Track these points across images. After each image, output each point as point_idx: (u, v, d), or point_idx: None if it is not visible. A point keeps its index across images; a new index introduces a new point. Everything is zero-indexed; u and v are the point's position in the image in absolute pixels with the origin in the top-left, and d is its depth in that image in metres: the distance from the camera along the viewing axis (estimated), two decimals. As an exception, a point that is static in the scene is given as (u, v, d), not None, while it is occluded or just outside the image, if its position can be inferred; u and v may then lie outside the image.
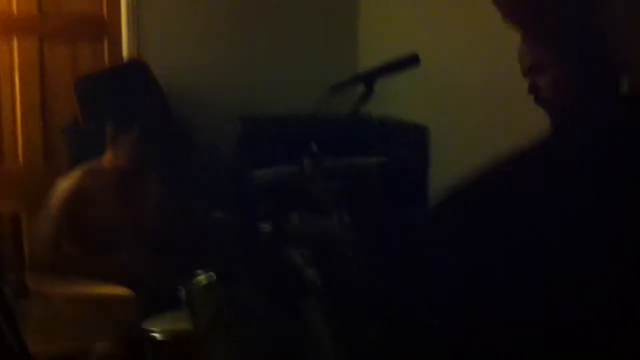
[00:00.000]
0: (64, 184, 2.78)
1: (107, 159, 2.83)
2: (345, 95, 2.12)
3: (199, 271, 2.29)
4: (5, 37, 3.71)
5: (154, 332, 2.47)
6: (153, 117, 3.10)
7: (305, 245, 2.55)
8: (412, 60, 1.92)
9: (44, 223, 2.72)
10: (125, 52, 3.89)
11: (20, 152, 3.80)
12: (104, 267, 2.66)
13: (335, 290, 2.55)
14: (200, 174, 3.52)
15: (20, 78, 3.75)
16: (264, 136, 3.72)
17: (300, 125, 3.57)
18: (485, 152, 1.11)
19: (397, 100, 3.62)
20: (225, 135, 3.76)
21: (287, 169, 2.73)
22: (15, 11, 3.71)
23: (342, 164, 2.71)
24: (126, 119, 2.85)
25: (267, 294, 2.33)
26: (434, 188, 3.54)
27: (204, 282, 2.38)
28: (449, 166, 3.35)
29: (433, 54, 3.07)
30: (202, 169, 3.56)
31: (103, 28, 3.90)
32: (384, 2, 4.11)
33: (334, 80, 2.10)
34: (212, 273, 2.31)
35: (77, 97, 3.41)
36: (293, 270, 2.47)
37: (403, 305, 1.88)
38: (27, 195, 3.68)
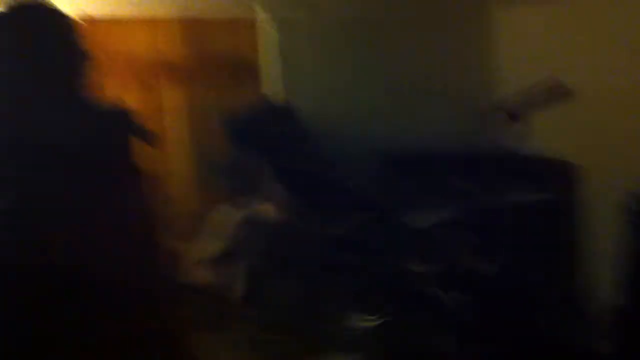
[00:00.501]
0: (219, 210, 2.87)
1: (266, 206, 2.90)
2: (489, 129, 2.08)
3: (359, 311, 2.28)
4: (158, 82, 3.94)
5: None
6: (302, 159, 3.17)
7: (459, 287, 2.50)
8: (563, 93, 1.85)
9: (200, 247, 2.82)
10: (272, 94, 4.05)
11: (173, 190, 3.99)
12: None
13: (491, 335, 2.47)
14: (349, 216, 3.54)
15: (171, 120, 3.96)
16: (411, 175, 3.70)
17: (442, 160, 3.52)
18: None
19: (544, 134, 3.51)
20: (371, 175, 3.78)
21: (440, 213, 2.70)
22: (166, 57, 3.94)
23: (493, 198, 2.64)
24: (272, 156, 2.93)
25: (426, 332, 2.29)
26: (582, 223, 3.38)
27: (364, 321, 2.37)
28: (597, 204, 3.20)
29: (583, 85, 2.96)
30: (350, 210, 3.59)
31: (248, 70, 4.07)
32: (525, 33, 4.02)
33: (474, 117, 2.06)
34: (373, 313, 2.29)
35: (226, 135, 3.55)
36: (444, 312, 2.42)
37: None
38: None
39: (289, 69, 4.06)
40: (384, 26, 4.13)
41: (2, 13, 1.46)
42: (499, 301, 2.51)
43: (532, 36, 3.89)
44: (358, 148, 3.96)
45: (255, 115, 3.64)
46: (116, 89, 3.88)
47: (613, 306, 2.20)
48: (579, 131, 3.41)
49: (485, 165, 2.64)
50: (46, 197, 1.29)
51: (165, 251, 2.26)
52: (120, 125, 3.22)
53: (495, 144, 1.94)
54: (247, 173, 2.95)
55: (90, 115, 1.46)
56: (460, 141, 2.00)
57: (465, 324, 2.45)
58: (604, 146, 3.28)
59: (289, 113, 3.68)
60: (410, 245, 2.67)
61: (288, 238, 2.86)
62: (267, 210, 2.88)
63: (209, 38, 4.03)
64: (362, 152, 3.93)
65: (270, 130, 3.54)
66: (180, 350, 1.37)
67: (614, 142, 3.25)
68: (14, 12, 1.45)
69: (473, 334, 2.48)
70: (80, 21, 1.47)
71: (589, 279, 3.16)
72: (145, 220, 1.40)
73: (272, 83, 4.04)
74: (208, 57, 4.04)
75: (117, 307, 1.31)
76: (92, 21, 3.79)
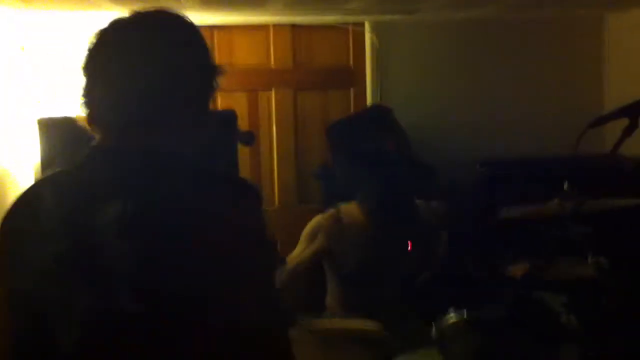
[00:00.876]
0: (317, 218, 2.95)
1: (356, 203, 2.93)
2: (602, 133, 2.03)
3: (451, 310, 2.30)
4: (265, 89, 4.07)
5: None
6: (396, 159, 3.19)
7: (561, 290, 2.46)
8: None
9: (298, 248, 2.89)
10: (369, 99, 4.10)
11: (276, 194, 4.10)
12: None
13: (593, 336, 2.41)
14: (441, 217, 3.53)
15: (277, 126, 4.08)
16: (506, 179, 3.66)
17: (548, 167, 3.46)
18: None
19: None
20: (467, 178, 3.76)
21: (537, 209, 2.67)
22: (273, 65, 4.06)
23: (597, 205, 2.58)
24: (371, 161, 2.96)
25: (523, 339, 2.27)
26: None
27: (454, 319, 2.38)
28: None
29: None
30: (443, 212, 3.58)
31: (350, 77, 4.14)
32: (631, 37, 3.90)
33: (578, 120, 2.01)
34: (463, 312, 2.30)
35: (329, 141, 3.61)
36: (549, 315, 2.39)
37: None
38: (284, 235, 3.96)
39: (392, 76, 4.09)
40: (488, 28, 4.09)
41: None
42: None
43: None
44: (456, 149, 3.94)
45: (356, 123, 3.68)
46: (224, 94, 4.03)
47: None
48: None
49: (592, 169, 2.58)
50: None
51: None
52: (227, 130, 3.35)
53: (614, 147, 1.89)
54: (346, 181, 2.99)
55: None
56: (575, 146, 1.96)
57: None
58: None
59: (384, 113, 3.70)
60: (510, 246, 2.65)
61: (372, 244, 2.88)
62: (354, 211, 2.93)
63: (315, 45, 4.12)
64: (459, 153, 3.91)
65: (370, 139, 3.57)
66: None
67: None
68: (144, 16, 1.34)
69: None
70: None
71: None
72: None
73: (376, 90, 4.08)
74: (313, 64, 4.12)
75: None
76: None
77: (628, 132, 1.90)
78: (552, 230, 2.44)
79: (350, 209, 2.97)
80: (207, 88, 1.39)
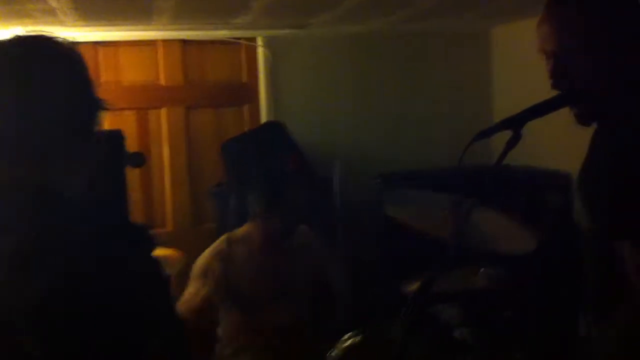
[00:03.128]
0: (208, 251, 2.80)
1: (252, 224, 2.84)
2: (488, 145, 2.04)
3: (347, 334, 2.25)
4: (155, 107, 3.93)
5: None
6: (295, 177, 3.13)
7: (455, 302, 2.46)
8: (563, 100, 1.81)
9: (191, 288, 2.75)
10: (263, 115, 4.03)
11: (169, 217, 3.96)
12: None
13: (488, 347, 2.43)
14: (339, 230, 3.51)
15: (169, 145, 3.94)
16: (402, 191, 3.67)
17: (440, 180, 3.49)
18: None
19: (541, 147, 3.48)
20: (361, 193, 3.75)
21: (431, 222, 2.66)
22: (163, 82, 3.93)
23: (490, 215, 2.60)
24: (270, 180, 2.88)
25: (419, 355, 2.25)
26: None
27: (351, 341, 2.34)
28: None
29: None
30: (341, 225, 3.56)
31: (244, 93, 4.07)
32: (517, 49, 4.02)
33: (470, 135, 2.02)
34: (360, 332, 2.26)
35: (224, 159, 3.52)
36: (443, 329, 2.38)
37: None
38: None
39: (287, 92, 4.05)
40: (380, 42, 4.12)
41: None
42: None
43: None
44: (351, 164, 3.94)
45: (251, 140, 3.61)
46: (111, 113, 3.87)
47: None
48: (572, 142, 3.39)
49: (483, 179, 2.57)
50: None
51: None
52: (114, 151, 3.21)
53: (499, 158, 1.88)
54: (242, 198, 2.90)
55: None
56: (462, 158, 1.95)
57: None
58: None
59: (278, 130, 3.65)
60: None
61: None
62: (251, 233, 2.82)
63: (206, 61, 4.02)
64: (354, 168, 3.92)
65: (259, 146, 3.51)
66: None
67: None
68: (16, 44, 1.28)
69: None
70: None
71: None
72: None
73: (270, 106, 4.02)
74: (205, 81, 4.02)
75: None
76: (83, 47, 3.79)
77: (511, 143, 1.91)
78: (445, 242, 2.44)
79: (245, 232, 2.85)
80: (90, 115, 1.35)
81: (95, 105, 1.35)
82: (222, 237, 2.81)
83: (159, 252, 1.40)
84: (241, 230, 2.83)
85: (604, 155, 1.69)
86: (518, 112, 1.85)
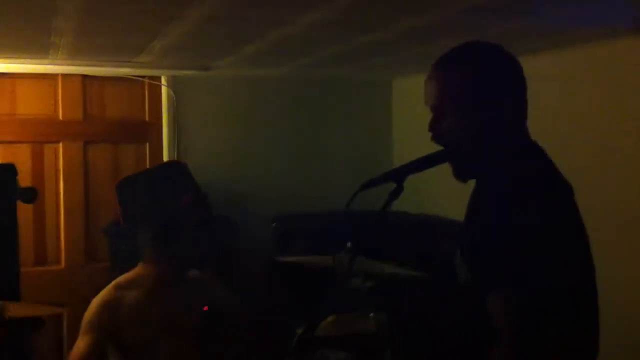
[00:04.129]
0: (96, 302, 2.73)
1: (143, 266, 2.80)
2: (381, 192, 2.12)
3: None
4: (51, 141, 3.85)
5: None
6: (190, 216, 3.12)
7: (341, 347, 2.50)
8: (441, 157, 1.91)
9: (81, 342, 2.67)
10: (165, 154, 4.01)
11: (62, 253, 3.86)
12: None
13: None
14: (237, 271, 3.52)
15: (64, 180, 3.86)
16: (299, 234, 3.72)
17: (336, 223, 3.56)
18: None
19: (433, 196, 3.62)
20: (261, 232, 3.78)
21: (319, 258, 2.71)
22: (60, 116, 3.86)
23: (375, 268, 2.66)
24: (163, 219, 2.86)
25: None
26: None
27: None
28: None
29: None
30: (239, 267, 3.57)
31: (145, 131, 4.04)
32: (416, 101, 4.18)
33: (370, 177, 2.10)
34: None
35: (119, 198, 3.47)
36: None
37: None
38: (69, 296, 3.71)
39: (190, 131, 4.05)
40: (287, 85, 4.20)
41: None
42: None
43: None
44: (251, 205, 3.98)
45: (148, 179, 3.58)
46: (5, 146, 3.76)
47: None
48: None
49: (373, 226, 2.65)
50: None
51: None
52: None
53: (382, 207, 1.95)
54: (136, 238, 2.86)
55: None
56: (350, 205, 2.01)
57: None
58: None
59: (178, 169, 3.63)
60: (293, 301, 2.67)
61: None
62: (142, 276, 2.78)
63: (108, 97, 3.97)
64: (253, 209, 3.95)
65: (156, 186, 3.49)
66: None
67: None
68: None
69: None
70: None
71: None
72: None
73: (172, 145, 4.01)
74: (105, 116, 3.97)
75: None
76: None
77: (394, 195, 1.98)
78: (332, 284, 2.49)
79: (136, 274, 2.79)
80: None
81: None
82: (110, 285, 2.74)
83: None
84: (132, 274, 2.77)
85: (478, 209, 1.79)
86: (400, 166, 1.93)
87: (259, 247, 3.71)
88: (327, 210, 3.97)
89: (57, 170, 3.85)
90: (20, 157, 3.71)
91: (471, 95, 1.66)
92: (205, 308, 2.82)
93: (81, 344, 2.62)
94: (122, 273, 2.84)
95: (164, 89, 4.01)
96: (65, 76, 3.82)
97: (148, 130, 4.04)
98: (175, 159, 3.93)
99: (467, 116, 1.67)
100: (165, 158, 4.00)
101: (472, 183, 1.85)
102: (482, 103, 1.66)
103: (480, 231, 1.67)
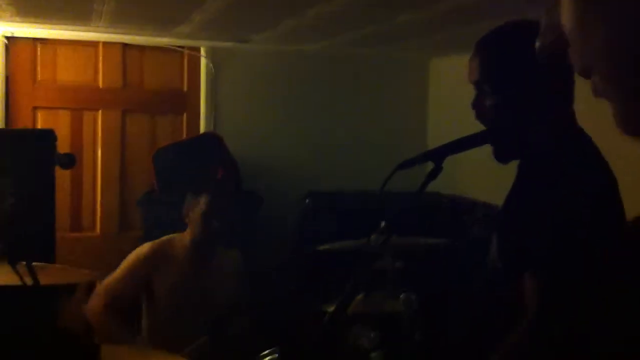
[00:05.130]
0: (140, 249, 2.82)
1: (180, 234, 2.86)
2: (414, 173, 2.09)
3: (264, 352, 2.25)
4: (90, 108, 3.88)
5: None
6: (225, 188, 3.14)
7: (370, 326, 2.50)
8: (482, 138, 1.87)
9: (111, 280, 2.74)
10: (202, 125, 4.02)
11: (97, 220, 3.90)
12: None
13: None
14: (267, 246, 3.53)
15: (102, 148, 3.89)
16: (331, 211, 3.71)
17: (369, 203, 3.54)
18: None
19: (467, 178, 3.57)
20: (293, 208, 3.78)
21: (353, 243, 2.70)
22: (101, 84, 3.88)
23: (409, 242, 2.66)
24: (199, 190, 2.89)
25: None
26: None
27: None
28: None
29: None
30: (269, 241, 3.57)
31: (183, 102, 4.05)
32: (453, 82, 4.12)
33: (403, 159, 2.08)
34: (275, 354, 2.27)
35: (155, 167, 3.49)
36: (357, 352, 2.41)
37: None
38: (102, 263, 3.76)
39: (227, 104, 4.05)
40: (322, 62, 4.16)
41: None
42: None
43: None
44: (284, 180, 3.97)
45: (184, 150, 3.60)
46: (46, 112, 3.80)
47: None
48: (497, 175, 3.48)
49: (408, 207, 2.63)
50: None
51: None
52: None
53: (420, 188, 1.94)
54: (171, 208, 2.89)
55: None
56: (386, 185, 1.99)
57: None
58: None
59: (214, 141, 3.65)
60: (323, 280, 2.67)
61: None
62: (183, 239, 2.85)
63: (147, 66, 3.99)
64: (287, 184, 3.95)
65: (192, 157, 3.50)
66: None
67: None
68: None
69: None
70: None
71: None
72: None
73: (209, 117, 4.01)
74: (144, 86, 3.99)
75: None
76: (22, 43, 3.72)
77: (432, 175, 1.96)
78: (363, 264, 2.48)
79: (177, 239, 2.87)
80: None
81: None
82: (155, 241, 2.83)
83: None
84: (174, 237, 2.85)
85: (519, 192, 1.76)
86: (439, 146, 1.91)
87: (285, 224, 3.72)
88: (359, 189, 3.95)
89: (95, 138, 3.89)
90: (60, 124, 3.75)
91: (513, 74, 1.63)
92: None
93: (116, 275, 2.71)
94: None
95: (202, 60, 4.01)
96: (105, 44, 3.84)
97: (185, 101, 4.05)
98: (212, 130, 3.94)
99: (508, 95, 1.64)
100: (202, 129, 4.01)
101: (507, 166, 1.82)
102: (524, 83, 1.63)
103: (522, 214, 1.65)
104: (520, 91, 1.64)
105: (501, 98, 1.64)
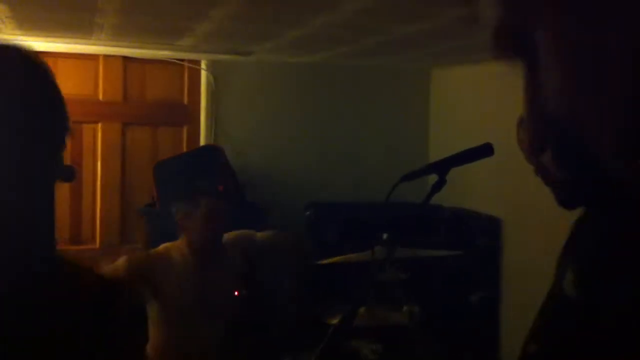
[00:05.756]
0: (145, 254, 2.82)
1: (179, 241, 2.86)
2: (417, 185, 2.09)
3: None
4: (90, 121, 3.87)
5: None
6: (226, 198, 3.13)
7: (375, 337, 2.49)
8: (485, 150, 1.88)
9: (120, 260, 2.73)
10: (202, 138, 4.01)
11: (97, 233, 3.89)
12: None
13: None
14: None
15: (102, 161, 3.88)
16: (333, 222, 3.71)
17: (371, 213, 3.54)
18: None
19: (471, 191, 3.57)
20: (295, 219, 3.77)
21: (356, 256, 2.70)
22: (100, 97, 3.88)
23: (413, 255, 2.65)
24: (198, 196, 2.89)
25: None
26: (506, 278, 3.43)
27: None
28: (521, 258, 3.24)
29: (507, 143, 3.01)
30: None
31: (184, 114, 4.05)
32: (455, 93, 4.12)
33: (404, 170, 2.07)
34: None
35: (155, 180, 3.49)
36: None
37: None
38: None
39: (228, 116, 4.04)
40: (323, 73, 4.17)
41: None
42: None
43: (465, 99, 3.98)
44: (285, 192, 3.96)
45: (185, 162, 3.59)
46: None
47: None
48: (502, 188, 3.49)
49: (411, 218, 2.63)
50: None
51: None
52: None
53: (424, 199, 1.93)
54: (171, 220, 2.89)
55: None
56: (390, 196, 2.00)
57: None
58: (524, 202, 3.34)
59: (215, 153, 3.65)
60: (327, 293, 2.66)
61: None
62: (181, 250, 2.84)
63: (148, 79, 3.99)
64: (288, 195, 3.94)
65: (193, 169, 3.50)
66: None
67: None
68: None
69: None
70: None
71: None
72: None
73: (209, 129, 4.01)
74: (144, 99, 3.99)
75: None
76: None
77: (437, 187, 1.96)
78: (367, 276, 2.47)
79: (177, 247, 2.87)
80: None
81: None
82: (160, 247, 2.83)
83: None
84: (173, 245, 2.86)
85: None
86: (443, 158, 1.90)
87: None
88: (361, 200, 3.94)
89: (95, 151, 3.88)
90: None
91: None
92: (237, 293, 2.85)
93: (120, 261, 2.69)
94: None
95: (203, 73, 4.02)
96: (106, 57, 3.85)
97: (186, 114, 4.05)
98: (212, 143, 3.93)
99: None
100: (203, 142, 4.00)
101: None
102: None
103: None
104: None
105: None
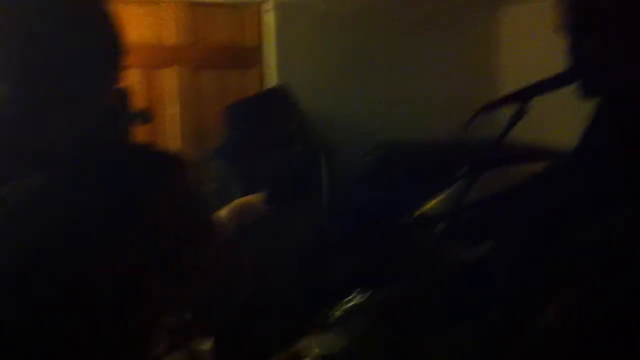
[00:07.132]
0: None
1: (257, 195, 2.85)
2: (494, 118, 2.02)
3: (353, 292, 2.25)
4: (158, 66, 3.90)
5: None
6: (295, 144, 3.13)
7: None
8: (570, 77, 1.78)
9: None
10: (270, 80, 4.00)
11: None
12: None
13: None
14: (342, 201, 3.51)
15: (174, 106, 3.91)
16: (405, 161, 3.65)
17: (445, 151, 3.48)
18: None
19: (550, 124, 3.45)
20: (366, 159, 3.74)
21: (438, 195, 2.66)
22: (167, 42, 3.89)
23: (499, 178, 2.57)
24: (269, 145, 2.88)
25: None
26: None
27: (356, 301, 2.33)
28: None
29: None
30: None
31: (252, 57, 4.04)
32: (528, 26, 3.98)
33: (475, 105, 2.00)
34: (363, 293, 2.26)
35: (227, 121, 3.51)
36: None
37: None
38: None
39: (291, 56, 4.01)
40: (392, 8, 4.08)
41: None
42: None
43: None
44: (357, 133, 3.93)
45: (255, 104, 3.59)
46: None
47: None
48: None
49: (489, 154, 2.56)
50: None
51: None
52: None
53: (502, 133, 1.86)
54: (241, 162, 2.89)
55: None
56: (466, 131, 1.94)
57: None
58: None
59: (283, 95, 3.63)
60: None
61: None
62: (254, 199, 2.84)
63: (212, 22, 3.98)
64: (360, 136, 3.90)
65: (262, 111, 3.50)
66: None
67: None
68: None
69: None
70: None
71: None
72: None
73: (274, 69, 3.99)
74: (210, 42, 3.99)
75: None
76: None
77: (515, 119, 1.87)
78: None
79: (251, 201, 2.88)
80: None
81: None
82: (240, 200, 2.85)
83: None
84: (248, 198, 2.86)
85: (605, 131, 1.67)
86: (526, 86, 1.82)
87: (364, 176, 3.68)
88: (430, 139, 3.87)
89: (165, 96, 3.92)
90: (130, 83, 3.77)
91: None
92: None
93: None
94: (226, 197, 2.89)
95: (268, 14, 3.98)
96: (170, 2, 3.85)
97: (255, 56, 4.04)
98: (281, 85, 3.92)
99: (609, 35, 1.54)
100: (270, 84, 3.99)
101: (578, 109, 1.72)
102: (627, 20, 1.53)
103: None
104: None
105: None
